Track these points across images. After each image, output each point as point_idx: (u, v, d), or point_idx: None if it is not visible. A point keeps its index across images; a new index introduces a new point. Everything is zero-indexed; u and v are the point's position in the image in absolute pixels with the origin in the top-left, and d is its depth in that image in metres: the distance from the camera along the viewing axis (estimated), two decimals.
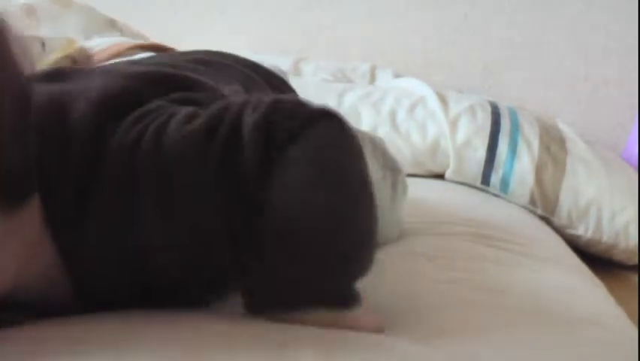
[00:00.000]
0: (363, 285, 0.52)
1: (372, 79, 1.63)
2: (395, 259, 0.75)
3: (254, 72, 0.71)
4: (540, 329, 0.58)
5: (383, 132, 1.30)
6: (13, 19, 0.44)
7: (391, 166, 0.85)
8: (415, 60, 1.77)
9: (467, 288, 0.67)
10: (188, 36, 1.80)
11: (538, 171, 1.30)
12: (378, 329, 0.51)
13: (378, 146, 0.86)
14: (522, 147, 1.31)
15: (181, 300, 0.50)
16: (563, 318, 0.62)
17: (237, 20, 1.81)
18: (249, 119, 0.47)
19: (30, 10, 1.21)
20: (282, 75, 0.77)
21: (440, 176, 1.33)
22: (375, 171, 0.82)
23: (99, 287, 0.48)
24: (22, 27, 0.49)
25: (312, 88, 1.40)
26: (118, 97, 0.49)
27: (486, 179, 1.30)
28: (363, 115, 1.34)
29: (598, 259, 1.27)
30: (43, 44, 1.20)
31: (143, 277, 0.48)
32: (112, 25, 1.36)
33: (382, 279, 0.68)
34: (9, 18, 0.42)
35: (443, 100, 1.37)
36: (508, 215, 1.15)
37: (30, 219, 0.44)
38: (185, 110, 0.49)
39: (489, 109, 1.37)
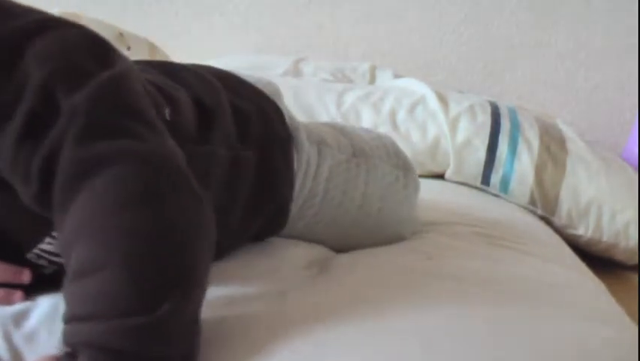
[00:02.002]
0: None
1: (372, 79, 1.63)
2: (395, 257, 0.76)
3: (218, 80, 0.70)
4: (539, 326, 0.58)
5: (383, 132, 1.29)
6: None
7: (403, 166, 0.85)
8: (415, 60, 1.77)
9: (467, 284, 0.67)
10: (188, 36, 1.80)
11: (538, 171, 1.30)
12: None
13: (390, 147, 0.86)
14: (522, 147, 1.31)
15: None
16: (563, 316, 0.62)
17: (237, 20, 1.81)
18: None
19: None
20: (264, 86, 0.76)
21: (440, 176, 1.33)
22: (388, 173, 0.82)
23: None
24: None
25: (312, 88, 1.40)
26: None
27: (486, 179, 1.30)
28: (363, 115, 1.34)
29: (598, 259, 1.27)
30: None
31: None
32: (120, 37, 1.36)
33: (381, 275, 0.68)
34: None
35: (443, 100, 1.37)
36: (508, 215, 1.15)
37: None
38: None
39: (489, 109, 1.36)
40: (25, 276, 0.57)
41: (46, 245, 0.57)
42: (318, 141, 0.77)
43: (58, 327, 0.55)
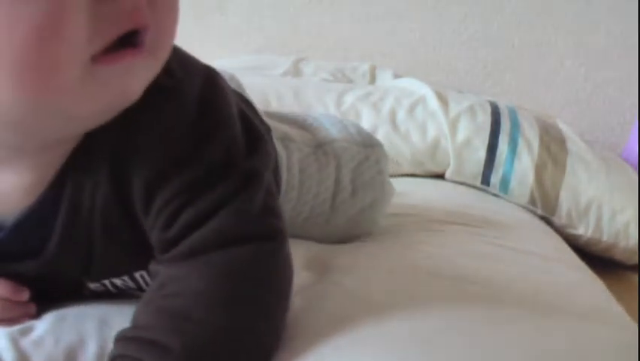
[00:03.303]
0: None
1: (372, 79, 1.63)
2: (394, 256, 0.76)
3: None
4: (539, 326, 0.58)
5: (383, 132, 1.30)
6: None
7: (369, 143, 0.85)
8: (415, 60, 1.77)
9: (467, 284, 0.67)
10: (188, 37, 1.80)
11: (538, 170, 1.30)
12: None
13: (351, 128, 0.86)
14: (522, 147, 1.31)
15: None
16: (562, 315, 0.62)
17: (237, 20, 1.81)
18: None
19: None
20: (229, 82, 0.76)
21: (440, 176, 1.33)
22: (356, 154, 0.82)
23: None
24: None
25: (312, 88, 1.40)
26: None
27: (486, 179, 1.30)
28: (363, 115, 1.34)
29: (598, 259, 1.27)
30: None
31: None
32: None
33: (381, 276, 0.68)
34: None
35: (443, 100, 1.37)
36: (508, 214, 1.15)
37: None
38: None
39: (489, 109, 1.37)
40: (25, 295, 0.57)
41: (119, 280, 0.57)
42: (282, 137, 0.77)
43: (64, 335, 0.55)
